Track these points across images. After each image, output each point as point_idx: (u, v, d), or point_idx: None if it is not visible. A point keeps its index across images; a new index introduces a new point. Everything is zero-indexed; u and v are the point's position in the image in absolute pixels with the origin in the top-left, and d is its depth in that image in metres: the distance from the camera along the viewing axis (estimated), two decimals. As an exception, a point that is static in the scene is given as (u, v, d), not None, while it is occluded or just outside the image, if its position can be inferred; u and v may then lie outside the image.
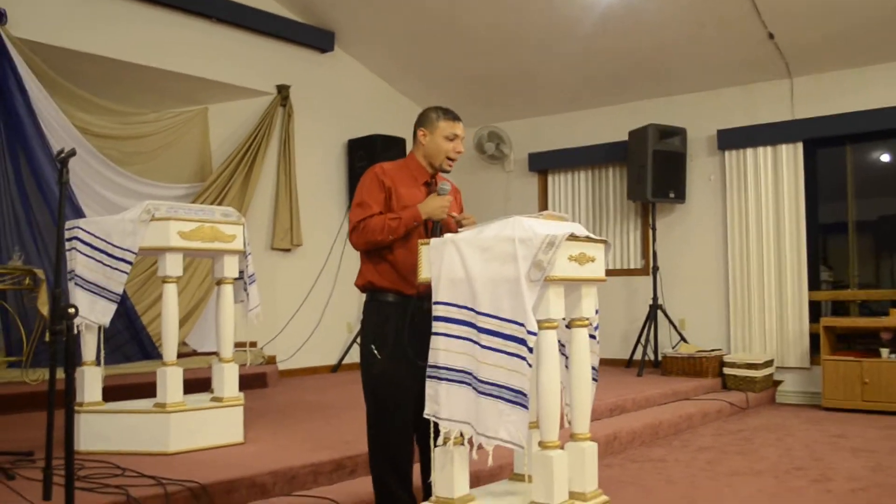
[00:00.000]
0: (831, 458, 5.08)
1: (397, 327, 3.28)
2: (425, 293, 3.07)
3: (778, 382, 7.65)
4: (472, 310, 2.71)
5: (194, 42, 7.31)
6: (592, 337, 2.95)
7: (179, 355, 4.48)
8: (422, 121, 3.47)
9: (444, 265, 2.79)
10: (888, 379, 6.70)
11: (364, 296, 3.46)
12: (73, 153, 2.97)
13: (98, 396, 4.31)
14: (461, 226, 3.31)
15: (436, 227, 3.32)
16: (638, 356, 7.94)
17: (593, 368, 2.95)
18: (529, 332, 2.57)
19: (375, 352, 3.33)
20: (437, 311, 2.78)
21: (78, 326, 4.12)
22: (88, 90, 6.96)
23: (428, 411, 2.77)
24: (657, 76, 8.15)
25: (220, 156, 7.83)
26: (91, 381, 4.29)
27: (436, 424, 2.78)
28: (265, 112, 7.95)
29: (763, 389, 7.38)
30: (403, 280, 3.30)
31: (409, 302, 3.29)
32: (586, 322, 2.86)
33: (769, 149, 7.76)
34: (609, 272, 2.99)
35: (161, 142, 7.60)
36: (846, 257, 7.87)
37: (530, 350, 2.58)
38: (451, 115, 3.45)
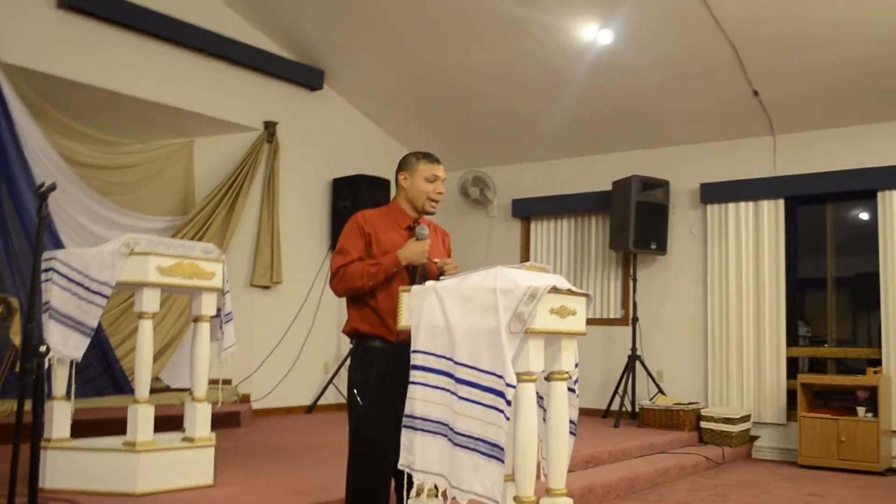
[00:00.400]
0: (807, 518, 5.05)
1: (380, 373, 3.25)
2: (408, 339, 3.06)
3: (754, 438, 7.62)
4: (450, 360, 2.68)
5: (183, 74, 7.31)
6: (572, 390, 2.93)
7: (152, 391, 4.40)
8: (402, 165, 3.51)
9: (424, 313, 2.77)
10: (864, 438, 6.69)
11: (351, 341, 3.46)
12: (53, 188, 2.94)
13: (66, 432, 4.22)
14: (443, 273, 3.29)
15: (414, 273, 3.32)
16: (615, 407, 7.90)
17: (572, 422, 2.93)
18: (508, 385, 2.55)
19: (358, 397, 3.31)
20: (416, 359, 2.75)
21: (49, 360, 4.05)
22: (75, 118, 6.93)
23: (402, 462, 2.74)
24: (642, 127, 8.22)
25: (204, 189, 7.79)
26: (60, 417, 4.20)
27: (409, 475, 2.74)
28: (251, 148, 7.94)
29: (739, 444, 7.35)
30: (386, 326, 3.28)
31: (393, 348, 3.26)
32: (565, 375, 2.84)
33: (751, 204, 7.82)
34: (588, 321, 2.98)
35: (145, 173, 7.56)
36: (824, 313, 7.91)
37: (508, 403, 2.56)
38: (431, 158, 3.49)
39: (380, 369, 3.27)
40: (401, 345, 3.22)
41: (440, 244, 3.55)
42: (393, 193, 8.15)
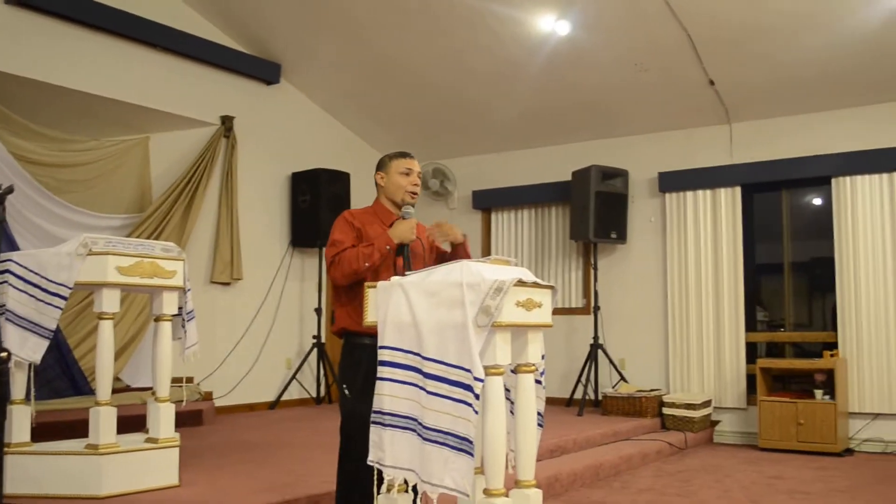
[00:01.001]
0: (769, 500, 5.13)
1: (367, 369, 3.25)
2: None
3: (716, 422, 7.74)
4: (418, 355, 2.68)
5: (137, 69, 7.19)
6: (538, 382, 2.94)
7: (113, 391, 4.33)
8: (378, 167, 3.66)
9: (390, 309, 2.76)
10: (822, 419, 6.83)
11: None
12: (10, 190, 2.88)
13: (27, 437, 4.15)
14: (442, 252, 3.49)
15: (404, 251, 3.44)
16: (578, 395, 7.97)
17: (539, 414, 2.93)
18: (476, 379, 2.55)
19: (346, 392, 3.41)
20: (383, 355, 2.75)
21: (9, 365, 3.96)
22: (26, 116, 6.78)
23: (372, 458, 2.73)
24: (601, 118, 8.28)
25: (161, 186, 7.68)
26: (20, 421, 4.13)
27: (380, 472, 2.73)
28: (208, 143, 7.84)
29: (701, 429, 7.46)
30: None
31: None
32: (532, 368, 2.84)
33: (708, 192, 7.92)
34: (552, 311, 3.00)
35: (100, 170, 7.42)
36: (781, 298, 8.04)
37: (477, 396, 2.56)
38: (404, 153, 3.66)
39: (368, 364, 3.27)
40: None
41: (424, 242, 3.66)
42: (353, 187, 8.07)
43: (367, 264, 3.35)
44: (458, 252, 3.62)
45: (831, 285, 7.35)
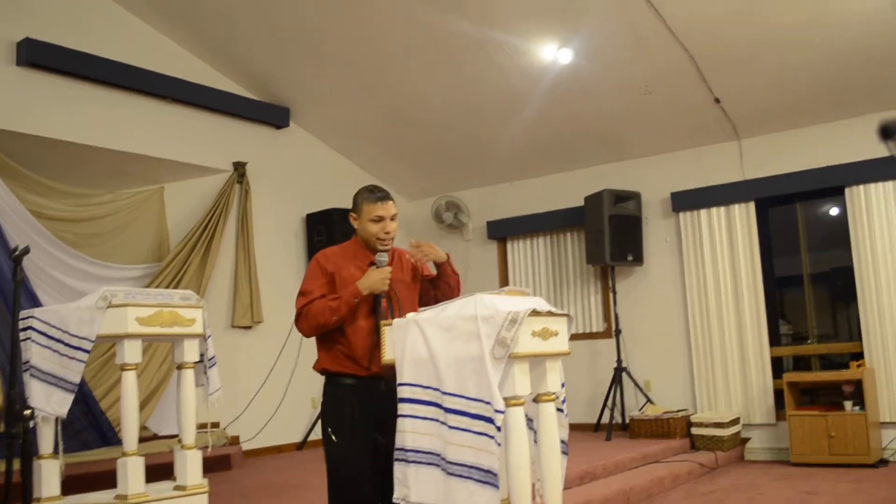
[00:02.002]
0: (802, 516, 5.07)
1: (353, 410, 3.25)
2: (380, 374, 3.09)
3: (746, 440, 7.66)
4: (437, 390, 2.69)
5: (149, 122, 7.30)
6: (560, 410, 2.95)
7: (140, 439, 4.38)
8: (353, 204, 3.48)
9: (407, 346, 2.78)
10: (853, 431, 6.75)
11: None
12: (26, 251, 2.94)
13: (57, 490, 4.18)
14: (427, 274, 3.35)
15: (378, 303, 3.30)
16: (605, 420, 7.92)
17: (562, 442, 2.94)
18: (496, 411, 2.56)
19: (332, 436, 3.31)
20: (403, 392, 2.76)
21: (34, 419, 4.01)
22: (41, 174, 6.89)
23: (397, 495, 2.73)
24: (609, 142, 8.31)
25: (178, 234, 7.77)
26: (49, 475, 4.16)
27: (405, 508, 2.74)
28: (222, 189, 7.93)
29: (731, 448, 7.39)
30: (355, 362, 3.28)
31: (364, 383, 3.26)
32: (552, 396, 2.85)
33: (722, 209, 7.91)
34: (572, 336, 3.00)
35: (117, 222, 7.52)
36: (803, 310, 7.99)
37: (498, 429, 2.56)
38: (376, 196, 3.43)
39: (352, 406, 3.26)
40: (371, 379, 3.24)
41: (407, 272, 3.53)
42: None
43: (335, 318, 3.26)
44: (444, 271, 3.50)
45: (853, 295, 7.30)
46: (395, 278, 3.39)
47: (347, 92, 8.12)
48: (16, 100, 6.41)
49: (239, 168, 8.06)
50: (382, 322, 2.94)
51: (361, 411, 3.22)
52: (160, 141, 7.36)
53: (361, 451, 3.20)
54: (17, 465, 2.97)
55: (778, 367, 7.73)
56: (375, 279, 3.29)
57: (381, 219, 3.38)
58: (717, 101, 7.31)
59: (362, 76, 7.80)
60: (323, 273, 3.38)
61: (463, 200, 9.46)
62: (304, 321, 3.32)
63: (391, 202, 3.43)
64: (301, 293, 3.37)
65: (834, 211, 7.96)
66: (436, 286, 3.52)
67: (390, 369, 3.02)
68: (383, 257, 3.36)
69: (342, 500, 3.30)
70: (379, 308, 3.27)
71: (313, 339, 3.43)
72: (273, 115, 8.39)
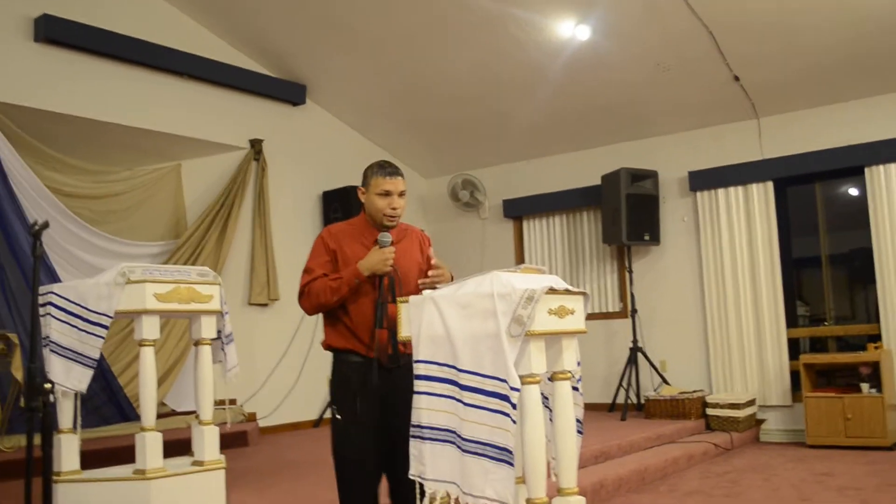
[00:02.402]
0: (819, 497, 5.06)
1: (357, 388, 3.26)
2: (379, 355, 3.09)
3: (761, 421, 7.65)
4: (453, 367, 2.69)
5: (166, 99, 7.31)
6: (576, 389, 2.94)
7: (158, 416, 4.39)
8: (362, 178, 3.44)
9: (423, 323, 2.77)
10: (870, 413, 6.72)
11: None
12: (46, 225, 2.95)
13: (76, 465, 4.22)
14: (431, 285, 3.22)
15: (381, 283, 3.26)
16: (620, 400, 7.93)
17: (578, 421, 2.93)
18: (512, 388, 2.56)
19: (336, 414, 3.32)
20: (419, 369, 2.76)
21: (53, 395, 4.05)
22: (59, 150, 6.93)
23: (413, 472, 2.74)
24: (626, 120, 8.25)
25: (195, 212, 7.80)
26: (68, 449, 4.20)
27: (421, 485, 2.75)
28: (239, 167, 7.94)
29: (747, 429, 7.38)
30: (359, 340, 3.28)
31: (369, 361, 3.27)
32: (568, 375, 2.84)
33: (740, 188, 7.85)
34: (588, 316, 2.99)
35: (134, 199, 7.56)
36: (821, 291, 7.94)
37: (514, 406, 2.56)
38: (385, 171, 3.37)
39: (357, 384, 3.27)
40: (376, 359, 3.24)
41: (415, 250, 3.50)
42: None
43: (335, 298, 3.24)
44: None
45: (872, 276, 7.25)
46: (403, 255, 3.34)
47: (364, 69, 8.10)
48: (34, 76, 6.44)
49: (256, 145, 8.07)
50: (399, 299, 2.94)
51: (364, 389, 3.23)
52: (177, 118, 7.38)
53: (363, 428, 3.21)
54: (37, 440, 2.99)
55: (794, 348, 7.70)
56: (376, 260, 3.25)
57: (388, 193, 3.34)
58: (737, 78, 7.25)
59: (379, 53, 7.78)
60: (326, 250, 3.37)
61: (479, 179, 9.44)
62: (306, 300, 3.33)
63: (401, 178, 3.38)
64: (305, 270, 3.37)
65: (853, 191, 7.89)
66: None
67: (386, 355, 3.10)
68: (386, 238, 3.30)
69: (345, 476, 3.32)
70: (382, 289, 3.23)
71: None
72: (290, 92, 8.39)
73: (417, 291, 3.07)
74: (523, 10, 6.83)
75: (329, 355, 3.45)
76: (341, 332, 3.34)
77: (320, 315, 3.42)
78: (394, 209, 3.35)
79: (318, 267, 3.34)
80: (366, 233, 3.41)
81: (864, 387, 6.84)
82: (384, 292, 3.24)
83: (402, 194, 3.37)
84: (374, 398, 3.23)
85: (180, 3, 7.46)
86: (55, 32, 6.44)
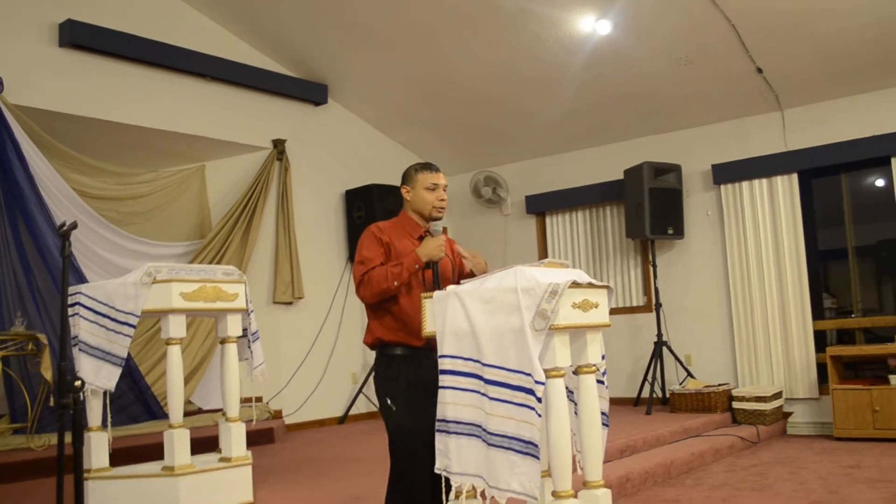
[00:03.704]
0: (847, 490, 5.03)
1: (409, 380, 3.29)
2: (434, 344, 3.10)
3: (788, 414, 7.60)
4: (478, 362, 2.70)
5: (189, 101, 7.38)
6: (601, 382, 2.95)
7: (185, 413, 4.47)
8: (404, 179, 3.58)
9: (448, 318, 2.79)
10: (898, 406, 6.66)
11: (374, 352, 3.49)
12: (74, 226, 2.99)
13: (105, 462, 4.28)
14: (466, 272, 3.39)
15: (435, 269, 3.38)
16: (645, 394, 7.91)
17: (603, 414, 2.94)
18: (537, 382, 2.57)
19: (390, 404, 3.33)
20: (444, 364, 2.78)
21: (83, 393, 4.10)
22: (84, 153, 7.01)
23: (439, 466, 2.76)
24: (649, 114, 8.22)
25: (219, 212, 7.87)
26: (98, 447, 4.26)
27: (447, 479, 2.76)
28: (262, 167, 8.00)
29: (773, 422, 7.33)
30: (410, 332, 3.31)
31: (418, 353, 3.30)
32: (593, 368, 2.85)
33: (764, 181, 7.79)
34: (612, 310, 3.00)
35: (159, 201, 7.64)
36: (848, 283, 7.87)
37: (539, 400, 2.58)
38: (429, 167, 3.56)
39: (408, 376, 3.30)
40: (424, 349, 3.26)
41: (450, 253, 3.61)
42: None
43: (396, 283, 3.31)
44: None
45: (899, 267, 7.17)
46: (444, 260, 3.48)
47: (385, 68, 8.12)
48: (59, 80, 6.52)
49: (278, 145, 8.12)
50: (423, 294, 2.96)
51: (417, 382, 3.26)
52: (200, 119, 7.44)
53: (420, 419, 3.22)
54: (67, 438, 3.04)
55: (821, 340, 7.64)
56: (433, 246, 3.37)
57: (436, 186, 3.50)
58: (760, 70, 7.19)
59: (400, 52, 7.80)
60: (379, 243, 3.45)
61: (501, 175, 9.43)
62: (366, 288, 3.36)
63: (442, 174, 3.57)
64: (360, 262, 3.43)
65: (880, 182, 7.81)
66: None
67: (408, 341, 3.15)
68: (437, 226, 3.48)
69: (402, 467, 3.31)
70: (437, 277, 3.36)
71: (357, 313, 3.49)
72: (312, 93, 8.43)
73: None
74: (544, 7, 6.82)
75: (355, 353, 3.48)
76: (389, 325, 3.38)
77: (366, 304, 3.46)
78: (442, 201, 3.52)
79: (376, 257, 3.41)
80: (413, 228, 3.54)
81: (893, 378, 6.78)
82: (431, 283, 3.34)
83: (445, 188, 3.56)
84: (426, 389, 3.21)
85: (202, 6, 7.52)
86: (80, 37, 6.52)
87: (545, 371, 2.62)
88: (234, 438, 4.38)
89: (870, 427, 6.77)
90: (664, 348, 8.01)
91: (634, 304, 8.71)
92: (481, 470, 2.67)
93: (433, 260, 3.37)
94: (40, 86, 6.41)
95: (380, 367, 3.43)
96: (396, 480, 3.33)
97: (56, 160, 6.62)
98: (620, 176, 8.36)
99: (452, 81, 8.15)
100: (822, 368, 7.36)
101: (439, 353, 2.79)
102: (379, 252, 3.42)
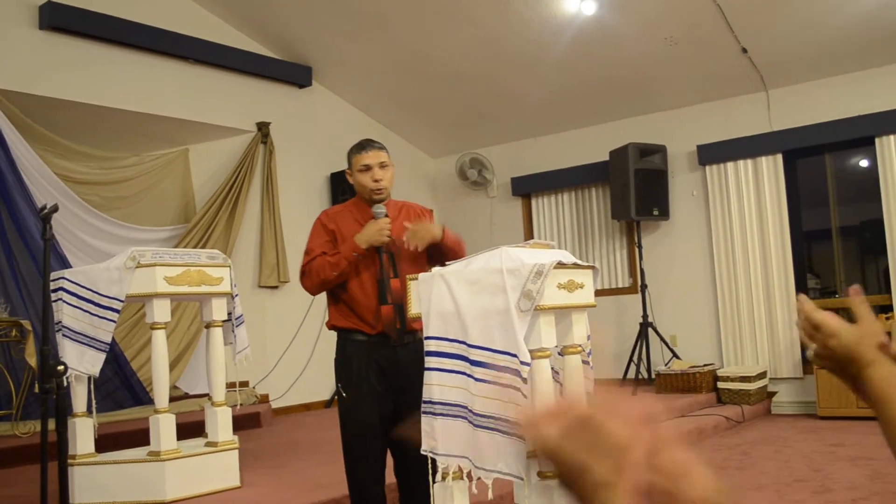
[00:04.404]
0: (830, 468, 5.07)
1: (360, 366, 3.28)
2: (388, 331, 3.09)
3: (772, 394, 7.65)
4: (463, 343, 2.70)
5: (172, 83, 7.31)
6: (586, 362, 2.95)
7: (171, 399, 4.44)
8: (347, 162, 3.48)
9: (433, 299, 2.79)
10: (881, 384, 6.70)
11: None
12: (55, 209, 2.96)
13: (91, 448, 4.26)
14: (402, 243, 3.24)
15: (391, 256, 3.26)
16: (631, 375, 7.94)
17: (588, 394, 2.94)
18: (522, 363, 2.57)
19: (341, 389, 3.35)
20: (429, 345, 2.77)
21: (67, 378, 4.08)
22: (67, 137, 6.95)
23: (425, 447, 2.76)
24: (634, 95, 8.21)
25: (203, 196, 7.82)
26: (83, 433, 4.24)
27: (433, 460, 2.77)
28: (246, 150, 7.94)
29: (758, 402, 7.38)
30: (361, 319, 3.29)
31: (371, 339, 3.28)
32: (578, 349, 2.85)
33: (749, 161, 7.81)
34: (598, 292, 3.00)
35: (143, 185, 7.58)
36: (832, 264, 7.91)
37: (524, 380, 2.58)
38: (361, 146, 3.41)
39: (360, 361, 3.29)
40: (380, 335, 3.25)
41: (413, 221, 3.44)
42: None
43: (335, 273, 3.24)
44: (446, 241, 3.29)
45: (883, 248, 7.21)
46: (401, 231, 3.29)
47: (369, 49, 8.08)
48: (40, 64, 6.44)
49: (262, 128, 8.07)
50: (408, 276, 2.95)
51: (369, 367, 3.25)
52: (183, 102, 7.37)
53: (369, 405, 3.22)
54: (52, 424, 3.02)
55: (805, 320, 7.67)
56: (372, 231, 3.24)
57: (368, 168, 3.35)
58: (745, 50, 7.19)
59: (384, 33, 7.75)
60: (325, 231, 3.38)
61: (487, 157, 9.42)
62: (308, 279, 3.34)
63: (378, 151, 3.39)
64: (304, 252, 3.39)
65: (864, 162, 7.85)
66: (441, 255, 3.30)
67: (394, 330, 3.08)
68: (380, 209, 3.31)
69: (352, 453, 3.34)
70: (382, 265, 3.24)
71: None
72: (295, 74, 8.37)
73: (417, 268, 3.08)
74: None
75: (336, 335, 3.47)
76: (343, 312, 3.35)
77: (312, 296, 3.45)
78: (377, 181, 3.34)
79: (318, 247, 3.34)
80: (361, 211, 3.41)
81: (876, 358, 6.82)
82: (385, 268, 3.24)
83: (383, 166, 3.37)
84: (380, 375, 3.24)
85: (183, -13, 7.45)
86: (60, 20, 6.44)
87: (531, 352, 2.62)
88: (221, 423, 4.37)
89: (853, 406, 6.82)
90: (650, 329, 8.04)
91: (620, 285, 8.74)
92: (467, 451, 2.67)
93: (374, 245, 3.24)
94: (20, 69, 6.33)
95: (337, 351, 3.43)
96: (346, 463, 3.35)
97: (37, 144, 6.56)
98: (606, 157, 8.36)
99: (437, 64, 8.11)
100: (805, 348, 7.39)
101: (425, 335, 2.79)
102: (322, 241, 3.35)
